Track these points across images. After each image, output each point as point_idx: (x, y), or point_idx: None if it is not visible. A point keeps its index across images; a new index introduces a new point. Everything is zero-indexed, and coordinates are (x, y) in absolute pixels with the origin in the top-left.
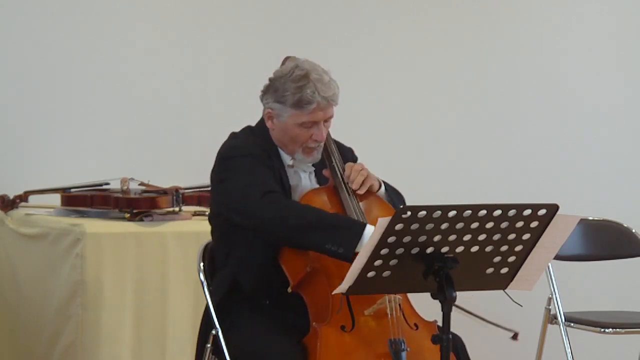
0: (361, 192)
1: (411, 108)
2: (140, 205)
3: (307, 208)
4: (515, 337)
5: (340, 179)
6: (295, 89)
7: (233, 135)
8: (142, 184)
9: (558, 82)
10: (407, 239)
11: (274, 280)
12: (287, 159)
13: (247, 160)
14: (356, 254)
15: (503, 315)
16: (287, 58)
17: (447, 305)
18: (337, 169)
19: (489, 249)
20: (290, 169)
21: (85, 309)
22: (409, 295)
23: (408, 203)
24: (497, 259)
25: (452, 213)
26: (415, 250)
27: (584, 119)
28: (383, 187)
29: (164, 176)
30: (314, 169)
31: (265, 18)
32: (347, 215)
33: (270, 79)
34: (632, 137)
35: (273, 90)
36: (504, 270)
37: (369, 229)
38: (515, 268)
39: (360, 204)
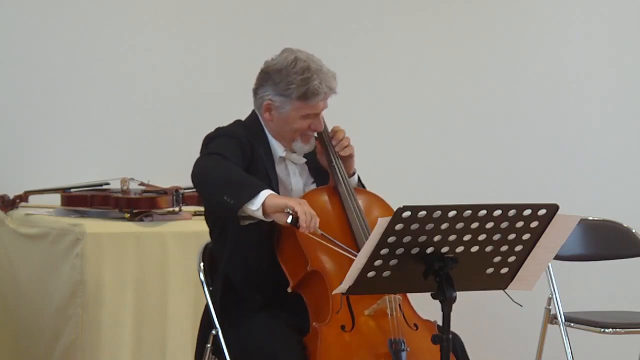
0: (344, 153)
1: (411, 108)
2: (140, 205)
3: (225, 165)
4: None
5: (340, 179)
6: (301, 81)
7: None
8: (142, 184)
9: (558, 82)
10: (407, 239)
11: (266, 278)
12: (278, 151)
13: (224, 139)
14: (245, 215)
15: (503, 315)
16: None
17: (447, 305)
18: (337, 169)
19: (489, 249)
20: (280, 163)
21: (85, 309)
22: (409, 295)
23: (408, 203)
24: (497, 259)
25: (452, 213)
26: (415, 250)
27: (584, 119)
28: (356, 176)
29: (164, 176)
30: (305, 160)
31: (265, 17)
32: (347, 216)
33: (265, 71)
34: (632, 137)
35: (273, 83)
36: (504, 270)
37: (266, 192)
38: (515, 268)
39: (361, 204)
